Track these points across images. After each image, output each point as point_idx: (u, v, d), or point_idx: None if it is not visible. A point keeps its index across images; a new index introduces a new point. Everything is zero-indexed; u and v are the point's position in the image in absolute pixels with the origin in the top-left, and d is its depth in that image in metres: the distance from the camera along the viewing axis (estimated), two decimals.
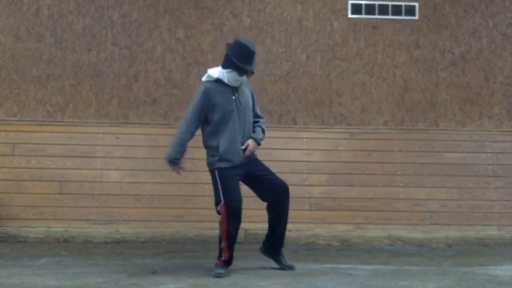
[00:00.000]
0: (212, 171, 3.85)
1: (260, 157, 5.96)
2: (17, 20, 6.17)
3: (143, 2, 6.28)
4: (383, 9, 6.39)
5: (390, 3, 6.40)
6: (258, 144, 3.95)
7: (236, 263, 4.01)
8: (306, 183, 5.92)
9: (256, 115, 4.03)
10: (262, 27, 6.34)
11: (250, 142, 3.87)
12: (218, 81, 3.82)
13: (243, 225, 5.70)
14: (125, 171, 5.87)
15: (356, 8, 6.39)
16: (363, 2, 6.40)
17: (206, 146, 3.90)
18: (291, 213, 5.80)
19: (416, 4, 6.40)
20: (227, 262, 3.81)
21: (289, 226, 5.66)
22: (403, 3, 6.40)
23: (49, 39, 6.18)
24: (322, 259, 4.59)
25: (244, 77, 3.83)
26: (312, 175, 5.97)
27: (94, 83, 6.15)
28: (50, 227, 5.58)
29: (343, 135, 6.13)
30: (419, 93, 6.31)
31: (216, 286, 3.33)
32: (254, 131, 3.97)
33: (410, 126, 6.24)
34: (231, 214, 3.78)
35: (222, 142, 3.77)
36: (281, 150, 6.01)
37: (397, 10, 6.40)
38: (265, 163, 5.89)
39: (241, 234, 5.65)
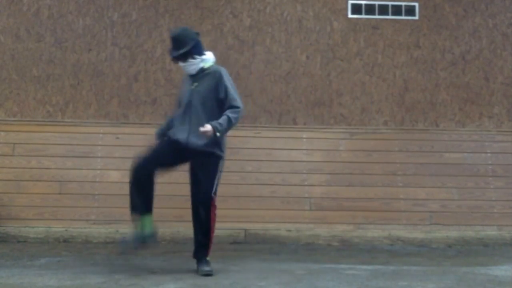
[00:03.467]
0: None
1: (260, 157, 6.03)
2: (17, 20, 6.17)
3: (143, 2, 6.28)
4: (383, 9, 6.40)
5: (390, 3, 6.40)
6: (214, 129, 3.66)
7: (236, 263, 4.01)
8: (306, 183, 5.92)
9: (229, 106, 3.80)
10: (262, 27, 6.34)
11: (207, 125, 3.67)
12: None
13: (243, 225, 5.77)
14: (125, 171, 5.79)
15: (356, 8, 6.39)
16: (363, 2, 6.40)
17: None
18: (291, 213, 5.87)
19: (416, 4, 6.40)
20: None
21: (289, 226, 5.73)
22: (403, 3, 6.40)
23: (49, 39, 6.18)
24: (322, 259, 4.59)
25: (187, 63, 3.82)
26: (312, 175, 5.98)
27: (94, 83, 6.15)
28: (50, 227, 5.58)
29: (343, 135, 6.13)
30: (419, 93, 6.31)
31: (216, 286, 3.33)
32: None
33: (410, 126, 6.24)
34: (134, 172, 3.86)
35: (174, 127, 3.91)
36: (281, 150, 6.02)
37: (397, 10, 6.40)
38: (265, 163, 5.99)
39: (240, 234, 5.68)
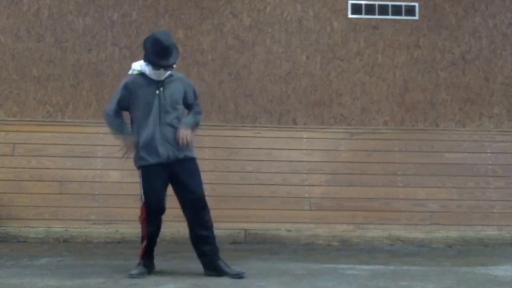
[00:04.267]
0: (137, 169, 3.76)
1: (260, 157, 6.03)
2: (17, 20, 6.17)
3: (143, 2, 6.28)
4: (383, 9, 6.39)
5: (390, 3, 6.40)
6: (191, 128, 3.72)
7: (236, 263, 4.01)
8: (306, 183, 5.92)
9: (196, 111, 3.88)
10: (262, 27, 6.34)
11: (180, 129, 3.66)
12: (142, 74, 3.72)
13: (243, 225, 5.77)
14: (125, 171, 5.84)
15: (356, 8, 6.39)
16: (363, 2, 6.40)
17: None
18: (291, 213, 5.87)
19: (416, 4, 6.40)
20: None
21: (289, 226, 5.73)
22: (403, 3, 6.40)
23: (49, 39, 6.18)
24: (322, 259, 4.59)
25: (167, 72, 3.68)
26: (312, 175, 5.98)
27: (94, 83, 6.15)
28: (50, 227, 5.58)
29: (343, 135, 6.13)
30: (419, 93, 6.31)
31: (216, 286, 3.33)
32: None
33: (410, 126, 6.24)
34: (150, 215, 3.71)
35: (142, 138, 3.67)
36: (281, 150, 6.01)
37: (397, 10, 6.39)
38: (265, 163, 5.99)
39: (240, 234, 5.68)
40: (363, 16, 6.39)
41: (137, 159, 3.73)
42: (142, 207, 3.73)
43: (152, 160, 3.65)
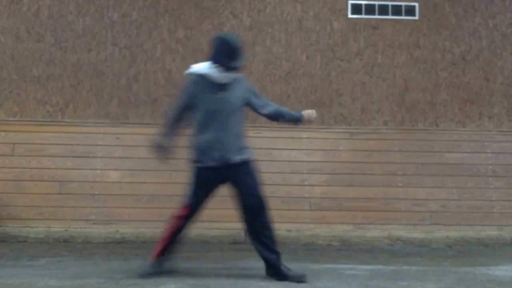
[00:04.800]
0: (191, 168, 3.71)
1: (260, 157, 5.99)
2: (17, 20, 6.17)
3: (143, 2, 6.28)
4: (383, 9, 6.40)
5: (390, 3, 6.40)
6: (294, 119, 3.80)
7: (236, 263, 4.01)
8: (306, 183, 5.93)
9: (265, 104, 3.81)
10: (262, 27, 6.34)
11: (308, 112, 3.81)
12: (202, 77, 3.64)
13: (243, 225, 5.75)
14: (125, 171, 5.87)
15: (356, 8, 6.39)
16: (363, 2, 6.40)
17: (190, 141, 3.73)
18: (291, 213, 5.87)
19: (416, 4, 6.40)
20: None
21: (289, 226, 5.73)
22: (403, 3, 6.40)
23: (49, 39, 6.18)
24: (322, 259, 4.59)
25: (234, 74, 3.62)
26: (312, 175, 5.98)
27: (94, 83, 6.15)
28: (50, 227, 5.58)
29: (343, 135, 6.13)
30: (419, 93, 6.31)
31: (216, 286, 3.33)
32: (282, 114, 3.82)
33: (410, 126, 6.25)
34: (188, 217, 3.66)
35: (200, 140, 3.61)
36: (281, 150, 6.02)
37: (397, 10, 6.40)
38: (265, 163, 5.98)
39: (241, 234, 5.66)
40: (363, 16, 6.39)
41: (194, 159, 3.66)
42: (185, 207, 3.65)
43: (208, 163, 3.58)
